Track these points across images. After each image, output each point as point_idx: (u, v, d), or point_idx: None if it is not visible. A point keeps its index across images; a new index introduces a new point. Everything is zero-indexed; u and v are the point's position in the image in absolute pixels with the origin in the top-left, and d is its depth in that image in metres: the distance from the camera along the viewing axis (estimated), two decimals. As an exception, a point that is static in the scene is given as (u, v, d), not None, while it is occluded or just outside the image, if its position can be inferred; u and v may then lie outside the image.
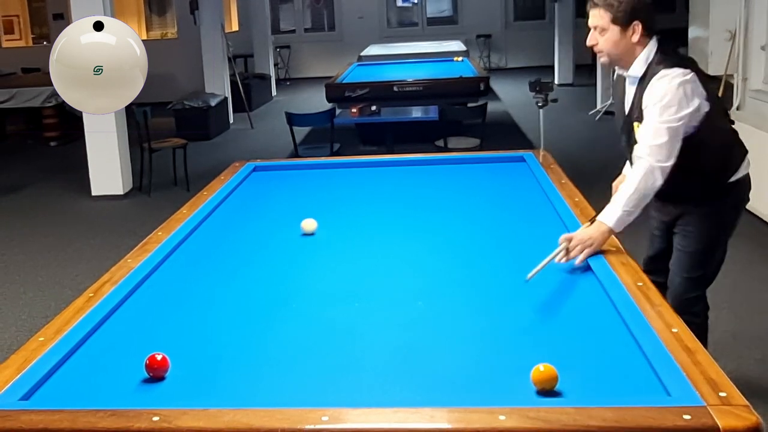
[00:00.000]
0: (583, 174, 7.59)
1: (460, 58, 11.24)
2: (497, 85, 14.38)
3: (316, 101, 12.18)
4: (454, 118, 7.58)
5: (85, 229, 7.22)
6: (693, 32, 7.67)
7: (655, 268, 3.50)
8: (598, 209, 3.33)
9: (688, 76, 2.99)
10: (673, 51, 3.16)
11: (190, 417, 1.81)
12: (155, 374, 2.09)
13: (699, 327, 3.31)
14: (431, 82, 9.11)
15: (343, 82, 9.52)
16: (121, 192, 8.19)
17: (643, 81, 3.08)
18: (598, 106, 11.42)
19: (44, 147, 11.17)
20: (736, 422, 1.69)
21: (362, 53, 12.81)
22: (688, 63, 3.10)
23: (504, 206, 3.71)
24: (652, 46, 3.09)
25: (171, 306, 2.67)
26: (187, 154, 8.49)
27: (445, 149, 7.02)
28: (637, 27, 3.04)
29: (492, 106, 9.44)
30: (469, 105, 8.33)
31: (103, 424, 1.81)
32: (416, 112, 8.45)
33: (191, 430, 1.78)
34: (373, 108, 7.89)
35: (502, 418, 1.74)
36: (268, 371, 2.15)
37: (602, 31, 3.09)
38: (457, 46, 13.31)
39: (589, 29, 3.14)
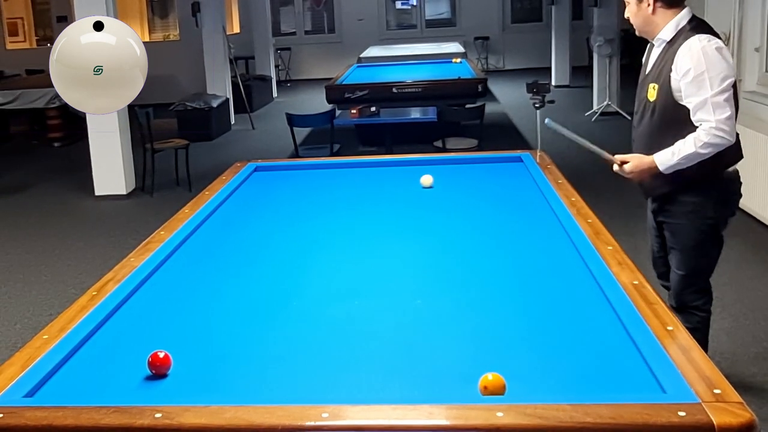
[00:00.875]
0: (579, 174, 7.60)
1: (458, 60, 11.24)
2: (495, 86, 14.39)
3: (316, 102, 12.18)
4: (452, 119, 7.59)
5: (88, 228, 7.22)
6: (688, 34, 7.67)
7: (660, 272, 3.63)
8: (595, 208, 3.36)
9: (724, 45, 3.16)
10: (707, 25, 3.28)
11: (192, 414, 1.81)
12: (158, 371, 2.09)
13: (700, 323, 3.40)
14: (430, 83, 9.11)
15: (343, 83, 9.53)
16: (124, 192, 8.19)
17: (672, 44, 3.21)
18: (594, 107, 11.42)
19: (48, 147, 11.17)
20: (731, 419, 1.70)
21: (362, 55, 12.80)
22: (721, 38, 3.23)
23: (501, 206, 3.71)
24: (683, 16, 3.24)
25: (173, 304, 2.67)
26: (189, 154, 8.48)
27: (444, 150, 7.03)
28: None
29: (490, 108, 9.44)
30: (467, 106, 8.32)
31: (107, 420, 1.81)
32: (415, 113, 8.44)
33: (193, 426, 1.78)
34: (373, 109, 7.88)
35: (499, 414, 1.75)
36: (269, 368, 2.15)
37: (627, 5, 3.31)
38: (455, 48, 13.30)
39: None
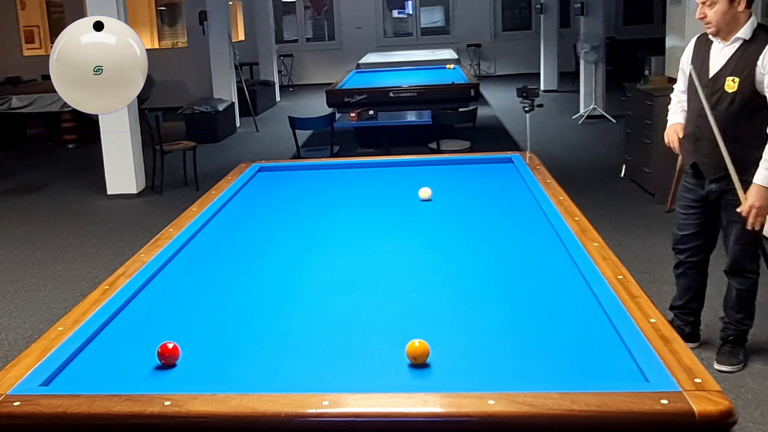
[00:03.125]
0: (566, 174, 7.62)
1: (451, 66, 11.24)
2: (486, 91, 14.39)
3: (317, 106, 12.18)
4: (446, 122, 7.58)
5: (100, 226, 7.21)
6: (670, 41, 7.68)
7: (686, 247, 3.89)
8: (581, 207, 3.36)
9: None
10: None
11: (199, 401, 1.81)
12: (167, 362, 2.09)
13: (752, 284, 3.76)
14: (425, 88, 9.10)
15: (343, 88, 9.52)
16: (134, 191, 8.19)
17: (752, 43, 3.44)
18: (581, 111, 11.42)
19: (63, 149, 11.16)
20: (710, 406, 1.70)
21: (360, 61, 12.80)
22: None
23: (493, 204, 3.71)
24: (754, 16, 3.43)
25: (181, 298, 2.66)
26: (196, 155, 8.48)
27: (438, 151, 7.02)
28: None
29: (482, 111, 9.45)
30: (461, 110, 8.31)
31: (119, 408, 1.81)
32: (411, 117, 8.42)
33: (201, 413, 1.78)
34: (371, 112, 7.88)
35: (491, 402, 1.75)
36: (273, 358, 2.15)
37: (711, 4, 3.41)
38: (449, 54, 13.31)
39: (698, 5, 3.49)
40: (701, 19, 3.48)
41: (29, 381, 1.99)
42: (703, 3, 3.45)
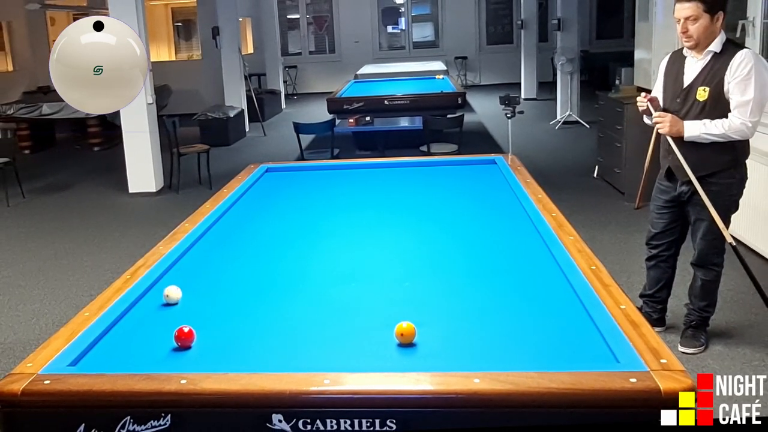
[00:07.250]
0: (545, 174, 7.61)
1: (440, 76, 11.23)
2: (472, 99, 14.37)
3: (319, 113, 12.15)
4: (435, 127, 7.57)
5: (123, 221, 7.19)
6: (638, 54, 7.67)
7: (659, 243, 3.89)
8: (558, 204, 3.36)
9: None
10: None
11: (212, 380, 1.81)
12: (183, 344, 2.09)
13: (716, 276, 3.76)
14: (416, 96, 9.07)
15: (342, 96, 9.50)
16: (153, 190, 8.17)
17: (721, 55, 3.45)
18: (558, 117, 11.42)
19: (89, 151, 11.12)
20: (675, 384, 1.70)
21: (358, 72, 12.76)
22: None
23: (478, 202, 3.70)
24: (723, 32, 3.49)
25: (196, 286, 2.65)
26: (209, 157, 8.45)
27: (428, 153, 7.01)
28: (720, 15, 3.43)
29: (468, 117, 9.43)
30: (449, 116, 8.30)
31: (139, 386, 1.81)
32: (404, 122, 8.43)
33: (213, 391, 1.78)
34: (368, 119, 7.87)
35: (476, 381, 1.75)
36: (279, 341, 2.15)
37: (694, 20, 3.40)
38: (438, 66, 13.28)
39: (679, 21, 3.47)
40: (683, 33, 3.47)
41: (58, 361, 1.99)
42: (687, 19, 3.43)
